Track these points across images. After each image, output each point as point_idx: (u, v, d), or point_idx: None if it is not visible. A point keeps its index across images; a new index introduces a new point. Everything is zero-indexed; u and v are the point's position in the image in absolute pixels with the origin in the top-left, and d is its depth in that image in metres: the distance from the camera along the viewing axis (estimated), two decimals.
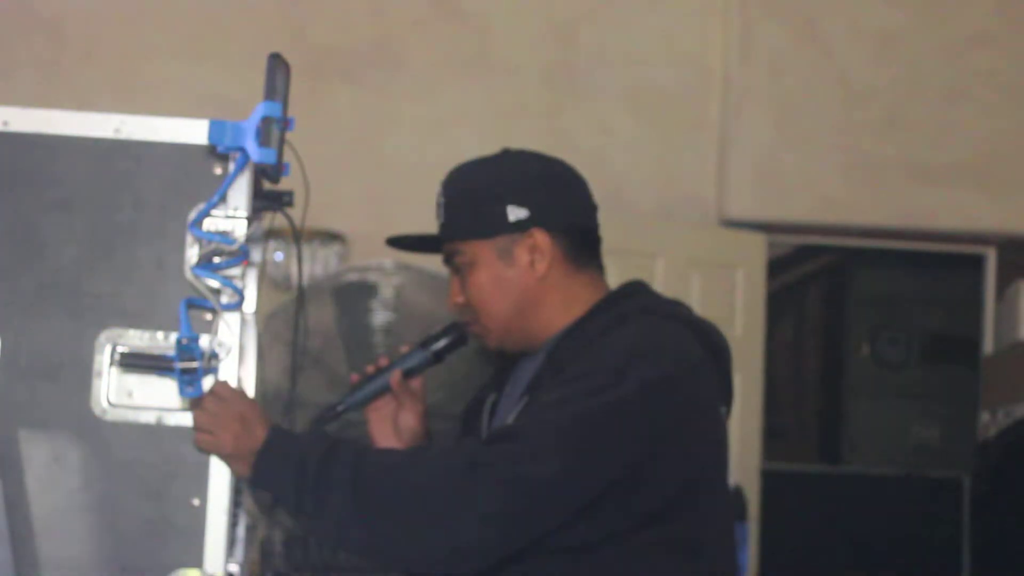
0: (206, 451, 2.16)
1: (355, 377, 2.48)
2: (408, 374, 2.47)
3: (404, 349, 2.52)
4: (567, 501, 2.11)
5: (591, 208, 2.39)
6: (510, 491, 2.08)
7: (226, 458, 2.17)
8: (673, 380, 2.18)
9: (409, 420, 2.48)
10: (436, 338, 2.50)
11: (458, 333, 2.48)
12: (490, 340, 2.37)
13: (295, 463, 2.13)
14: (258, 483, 2.18)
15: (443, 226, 2.38)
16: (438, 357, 2.50)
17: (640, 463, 2.14)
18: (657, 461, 2.15)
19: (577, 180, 2.39)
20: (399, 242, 2.47)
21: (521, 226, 2.31)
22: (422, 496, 2.08)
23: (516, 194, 2.32)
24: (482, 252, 2.33)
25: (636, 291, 2.36)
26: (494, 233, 2.32)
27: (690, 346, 2.24)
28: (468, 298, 2.35)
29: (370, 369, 2.48)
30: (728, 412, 2.36)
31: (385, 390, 2.46)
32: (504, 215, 2.31)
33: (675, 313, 2.30)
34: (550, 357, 2.28)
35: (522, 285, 2.32)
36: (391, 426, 2.48)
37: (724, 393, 2.33)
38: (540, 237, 2.31)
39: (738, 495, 5.21)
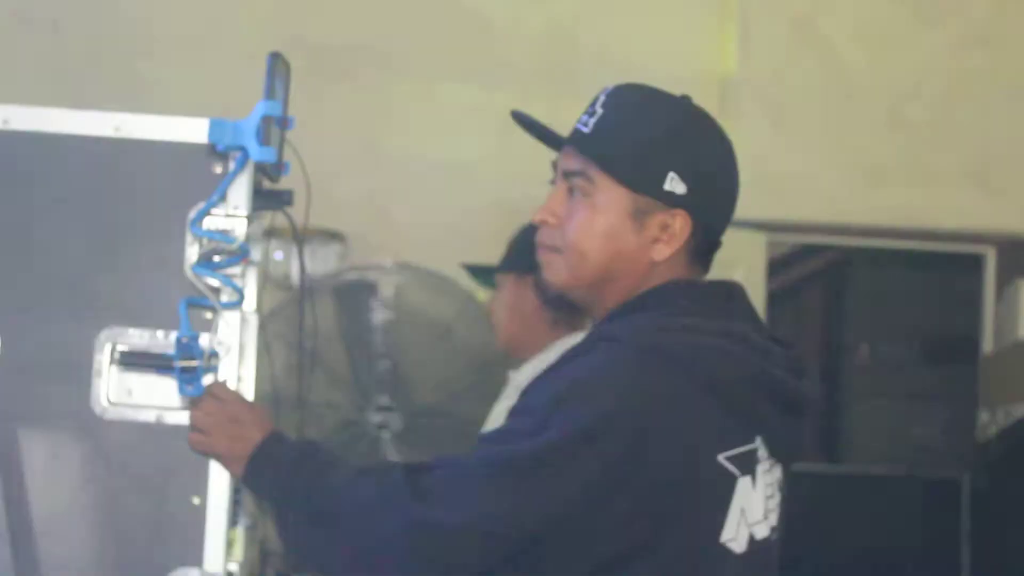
0: (199, 451, 2.16)
1: None
2: None
3: None
4: (473, 553, 1.94)
5: (730, 218, 2.14)
6: (414, 535, 1.94)
7: (218, 459, 2.16)
8: (606, 428, 1.91)
9: None
10: None
11: None
12: (556, 276, 2.10)
13: (272, 472, 2.10)
14: (248, 487, 2.17)
15: (585, 137, 2.06)
16: None
17: (563, 518, 1.92)
18: (587, 517, 1.92)
19: (737, 185, 2.15)
20: (524, 121, 2.13)
21: (671, 199, 2.03)
22: (347, 526, 2.00)
23: (685, 165, 2.04)
24: (616, 197, 2.04)
25: (657, 301, 2.05)
26: (640, 189, 2.04)
27: (653, 385, 1.94)
28: (566, 229, 2.06)
29: None
30: (775, 435, 2.07)
31: None
32: (661, 177, 2.03)
33: (658, 346, 1.97)
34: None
35: (631, 255, 2.05)
36: None
37: (740, 431, 2.02)
38: (682, 222, 2.04)
39: None
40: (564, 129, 2.17)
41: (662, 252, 2.06)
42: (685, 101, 2.13)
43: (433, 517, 1.94)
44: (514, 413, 2.02)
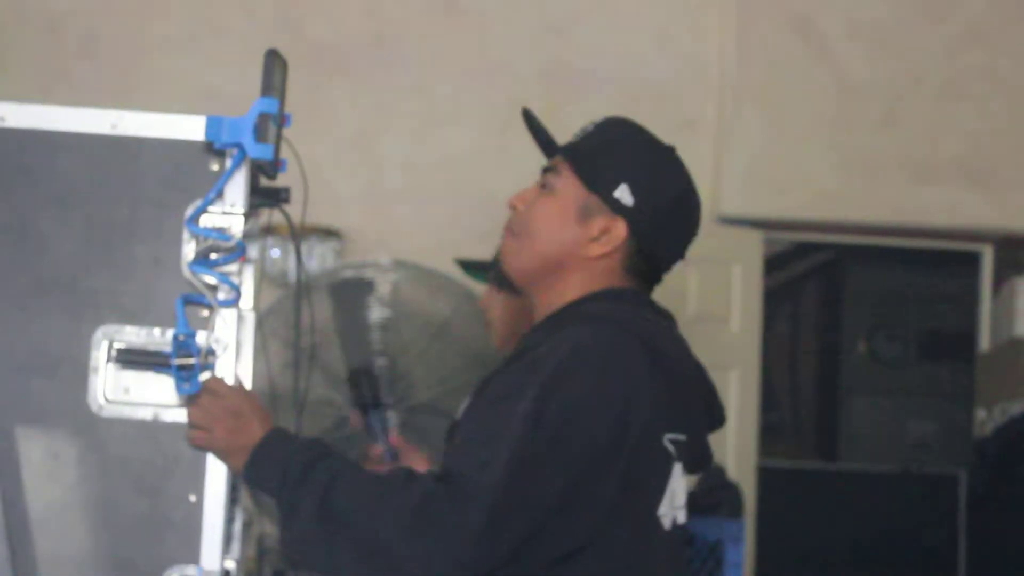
0: (200, 448, 2.16)
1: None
2: (387, 431, 2.50)
3: (354, 423, 2.54)
4: (504, 545, 2.05)
5: (677, 253, 2.33)
6: (451, 540, 2.02)
7: (220, 453, 2.16)
8: (595, 406, 2.09)
9: (421, 466, 2.51)
10: (361, 395, 2.53)
11: (367, 376, 2.51)
12: (512, 262, 2.31)
13: (281, 468, 2.12)
14: (249, 481, 2.17)
15: (569, 144, 2.32)
16: (378, 402, 2.53)
17: (566, 496, 2.07)
18: (578, 495, 2.08)
19: (687, 229, 2.33)
20: (530, 120, 2.37)
21: (616, 206, 2.25)
22: (377, 534, 2.04)
23: (638, 183, 2.26)
24: (572, 192, 2.27)
25: (612, 296, 2.27)
26: (593, 187, 2.26)
27: (629, 364, 2.14)
28: (528, 213, 2.29)
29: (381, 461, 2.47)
30: (698, 438, 2.27)
31: (396, 456, 2.49)
32: (614, 184, 2.25)
33: (633, 327, 2.19)
34: (516, 346, 2.26)
35: (572, 246, 2.26)
36: None
37: (679, 420, 2.22)
38: (619, 230, 2.25)
39: (735, 491, 5.22)
40: (561, 129, 2.37)
41: (596, 251, 2.26)
42: (668, 146, 2.33)
43: (470, 521, 2.01)
44: (506, 396, 2.11)
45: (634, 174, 2.26)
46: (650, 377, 2.15)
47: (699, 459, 2.30)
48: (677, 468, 2.21)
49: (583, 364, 2.11)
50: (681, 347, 2.27)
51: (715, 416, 2.34)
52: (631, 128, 2.34)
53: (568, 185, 2.27)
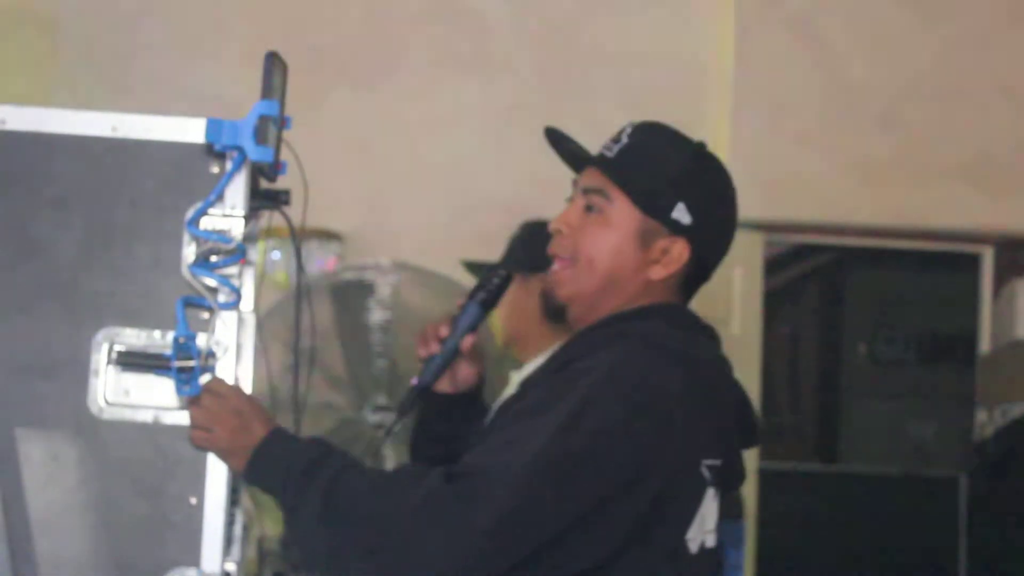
0: (203, 448, 2.16)
1: (424, 354, 2.43)
2: (471, 331, 2.44)
3: (459, 303, 2.48)
4: (510, 550, 2.02)
5: (724, 256, 2.34)
6: (456, 538, 2.00)
7: (222, 453, 2.16)
8: (628, 431, 2.05)
9: (468, 373, 2.47)
10: (481, 288, 2.47)
11: (500, 278, 2.45)
12: (569, 290, 2.26)
13: (284, 467, 2.12)
14: (251, 481, 2.17)
15: (608, 160, 2.25)
16: (489, 306, 2.47)
17: (583, 516, 2.04)
18: (597, 517, 2.05)
19: (734, 228, 2.35)
20: (554, 136, 2.34)
21: (676, 227, 2.23)
22: (381, 531, 2.03)
23: (694, 199, 2.24)
24: (628, 217, 2.23)
25: (655, 313, 2.24)
26: (651, 212, 2.22)
27: (668, 389, 2.10)
28: (579, 241, 2.25)
29: (438, 339, 2.43)
30: (733, 459, 2.25)
31: (456, 355, 2.45)
32: (671, 206, 2.22)
33: (674, 349, 2.16)
34: (552, 357, 2.25)
35: (631, 272, 2.23)
36: (448, 378, 2.46)
37: (716, 444, 2.20)
38: (682, 250, 2.24)
39: (736, 493, 5.22)
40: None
41: (658, 273, 2.24)
42: (701, 145, 2.32)
43: (477, 520, 1.99)
44: (538, 408, 2.09)
45: (688, 191, 2.23)
46: (689, 403, 2.11)
47: (733, 479, 2.28)
48: (710, 493, 2.19)
49: (622, 386, 2.08)
50: (722, 367, 2.25)
51: (750, 436, 2.32)
52: (667, 134, 2.30)
53: (623, 210, 2.23)
